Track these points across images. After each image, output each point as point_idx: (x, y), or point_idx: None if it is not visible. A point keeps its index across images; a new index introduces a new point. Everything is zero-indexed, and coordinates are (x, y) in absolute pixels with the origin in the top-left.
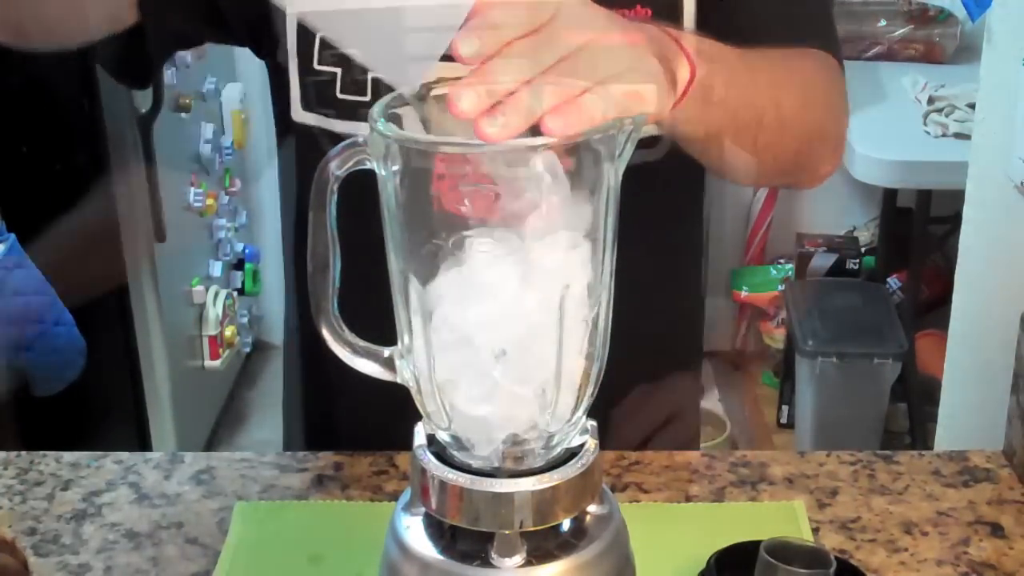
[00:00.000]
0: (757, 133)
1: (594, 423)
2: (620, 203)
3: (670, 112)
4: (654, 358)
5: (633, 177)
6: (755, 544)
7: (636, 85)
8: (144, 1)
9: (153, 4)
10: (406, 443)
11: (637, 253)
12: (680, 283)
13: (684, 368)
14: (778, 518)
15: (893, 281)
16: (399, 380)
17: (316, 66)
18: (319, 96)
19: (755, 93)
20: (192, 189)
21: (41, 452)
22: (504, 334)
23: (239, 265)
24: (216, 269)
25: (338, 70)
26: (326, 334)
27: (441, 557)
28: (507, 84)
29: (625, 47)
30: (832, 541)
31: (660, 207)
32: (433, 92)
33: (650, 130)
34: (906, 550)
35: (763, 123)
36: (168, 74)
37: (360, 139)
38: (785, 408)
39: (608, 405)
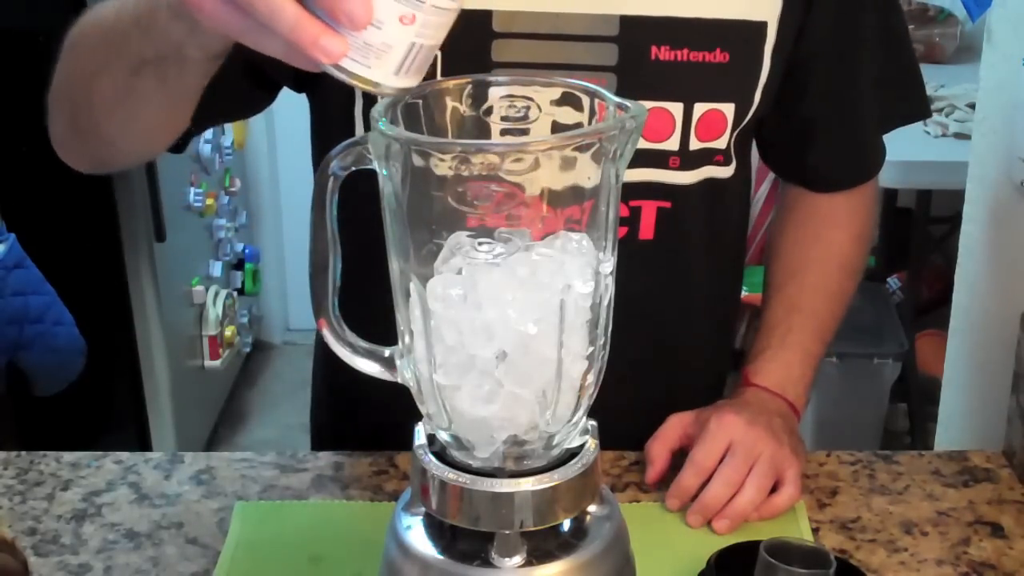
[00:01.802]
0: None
1: (594, 423)
2: (703, 215)
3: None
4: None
5: (711, 192)
6: (755, 544)
7: (794, 469)
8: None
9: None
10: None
11: (710, 260)
12: (732, 285)
13: (719, 367)
14: (778, 518)
15: (893, 281)
16: (399, 380)
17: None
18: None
19: (823, 347)
20: (192, 189)
21: (41, 452)
22: (505, 335)
23: (239, 265)
24: (216, 269)
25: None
26: (327, 334)
27: (441, 557)
28: (721, 497)
29: (780, 448)
30: (832, 541)
31: (731, 217)
32: None
33: (721, 145)
34: (906, 550)
35: (835, 329)
36: None
37: (361, 138)
38: None
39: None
